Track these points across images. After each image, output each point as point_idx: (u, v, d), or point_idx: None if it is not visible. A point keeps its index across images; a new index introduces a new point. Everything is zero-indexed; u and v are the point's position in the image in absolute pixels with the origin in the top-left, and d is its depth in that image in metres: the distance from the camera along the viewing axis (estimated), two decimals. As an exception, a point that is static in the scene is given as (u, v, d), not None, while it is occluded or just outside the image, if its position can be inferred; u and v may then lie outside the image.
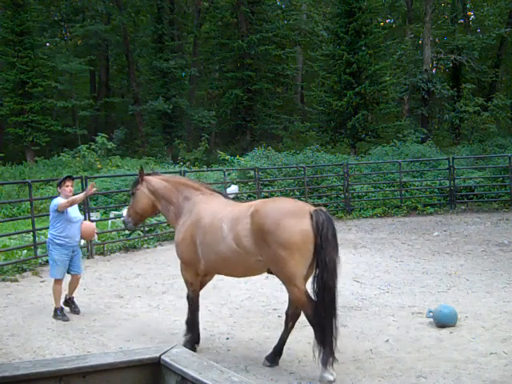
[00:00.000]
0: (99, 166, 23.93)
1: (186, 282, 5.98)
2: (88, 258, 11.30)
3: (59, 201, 7.32)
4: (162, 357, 2.59)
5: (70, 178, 7.64)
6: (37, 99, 30.10)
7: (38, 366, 2.46)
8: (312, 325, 5.10)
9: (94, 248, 11.61)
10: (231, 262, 5.43)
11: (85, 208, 11.41)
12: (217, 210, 5.61)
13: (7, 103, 29.74)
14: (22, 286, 9.21)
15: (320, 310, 5.01)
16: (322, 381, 5.02)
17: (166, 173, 17.27)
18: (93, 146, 26.09)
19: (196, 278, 5.88)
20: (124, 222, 6.56)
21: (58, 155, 27.77)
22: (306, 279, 5.22)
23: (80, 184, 11.85)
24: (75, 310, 7.59)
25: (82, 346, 6.23)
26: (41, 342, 6.42)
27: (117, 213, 13.96)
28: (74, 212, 7.49)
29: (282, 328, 5.60)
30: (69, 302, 7.65)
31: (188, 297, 6.05)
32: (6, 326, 7.02)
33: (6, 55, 30.14)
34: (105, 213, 16.08)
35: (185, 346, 5.64)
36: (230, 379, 2.32)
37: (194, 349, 5.82)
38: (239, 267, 5.48)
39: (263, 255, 5.16)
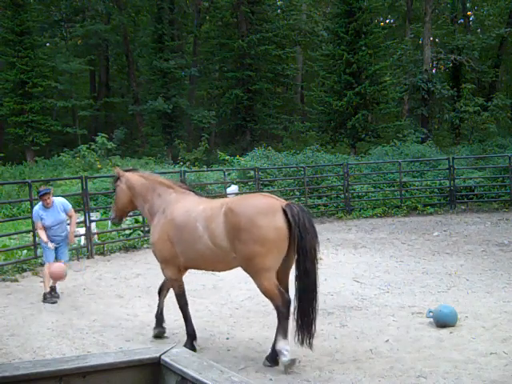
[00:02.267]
0: (99, 166, 23.92)
1: (170, 280, 6.10)
2: (88, 257, 11.31)
3: (37, 209, 8.34)
4: (162, 357, 2.59)
5: (48, 193, 8.36)
6: (37, 99, 30.10)
7: (38, 366, 2.46)
8: (279, 315, 5.33)
9: (94, 248, 11.61)
10: (210, 259, 5.62)
11: (85, 208, 11.41)
12: (190, 209, 5.77)
13: (7, 103, 29.74)
14: (22, 286, 9.21)
15: (301, 294, 5.31)
16: (284, 364, 5.26)
17: (166, 173, 17.33)
18: (93, 146, 26.07)
19: (179, 273, 6.02)
20: (111, 219, 6.97)
21: (58, 155, 27.76)
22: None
23: (80, 184, 11.84)
24: (54, 296, 8.13)
25: (81, 346, 6.23)
26: (41, 341, 6.42)
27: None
28: (51, 218, 8.23)
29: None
30: (50, 288, 8.23)
31: (175, 295, 6.13)
32: (6, 326, 7.02)
33: (6, 55, 30.16)
34: (105, 213, 16.08)
35: (184, 344, 5.76)
36: (229, 379, 2.32)
37: (193, 348, 5.85)
38: (219, 263, 5.67)
39: (237, 252, 5.32)
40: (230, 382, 2.29)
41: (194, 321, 6.21)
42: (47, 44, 37.20)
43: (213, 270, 6.19)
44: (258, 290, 8.37)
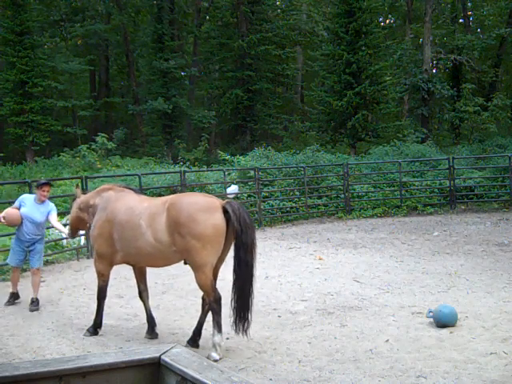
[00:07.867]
0: (99, 166, 23.94)
1: (98, 273, 6.54)
2: (88, 258, 11.30)
3: (26, 196, 7.94)
4: (162, 357, 2.59)
5: (48, 184, 7.95)
6: (37, 99, 30.10)
7: (38, 366, 2.45)
8: (211, 309, 5.78)
9: (94, 248, 11.60)
10: (150, 255, 5.93)
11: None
12: (132, 207, 6.06)
13: (7, 103, 29.73)
14: (22, 286, 9.19)
15: (239, 285, 5.73)
16: (209, 357, 5.47)
17: (166, 173, 17.27)
18: (93, 146, 26.10)
19: (108, 269, 6.50)
20: (67, 235, 7.64)
21: (58, 155, 27.77)
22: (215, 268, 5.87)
23: (80, 183, 11.83)
24: (33, 307, 7.74)
25: (81, 346, 6.22)
26: (41, 341, 6.42)
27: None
28: (33, 213, 7.76)
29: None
30: (33, 299, 7.83)
31: (99, 287, 6.61)
32: (6, 326, 7.01)
33: (6, 55, 30.15)
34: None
35: (88, 329, 6.60)
36: (229, 379, 2.32)
37: (96, 332, 6.54)
38: (158, 259, 6.00)
39: (177, 246, 5.65)
40: (230, 382, 2.29)
41: (194, 321, 6.21)
42: (47, 44, 37.17)
43: (151, 266, 6.52)
44: (258, 290, 8.40)
